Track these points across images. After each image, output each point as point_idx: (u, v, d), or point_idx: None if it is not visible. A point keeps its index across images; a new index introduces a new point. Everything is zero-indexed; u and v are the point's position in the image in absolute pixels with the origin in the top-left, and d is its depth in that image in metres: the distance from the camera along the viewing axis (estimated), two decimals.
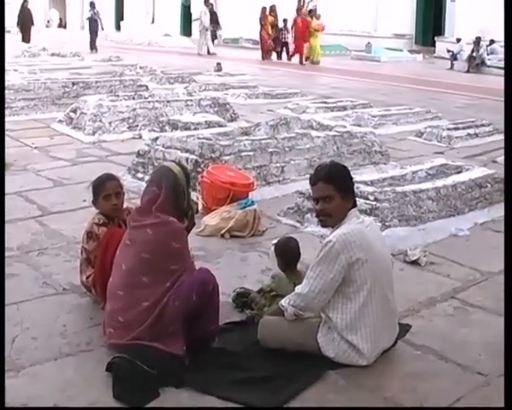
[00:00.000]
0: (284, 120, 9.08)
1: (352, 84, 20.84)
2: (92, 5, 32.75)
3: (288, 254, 4.71)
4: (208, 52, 31.19)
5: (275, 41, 29.95)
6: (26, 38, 32.37)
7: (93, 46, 30.59)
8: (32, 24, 33.87)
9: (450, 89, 20.08)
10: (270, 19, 29.89)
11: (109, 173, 5.09)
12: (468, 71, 27.31)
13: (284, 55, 29.99)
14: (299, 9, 29.98)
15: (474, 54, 27.88)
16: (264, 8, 30.23)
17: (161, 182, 4.17)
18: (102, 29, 33.97)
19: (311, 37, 27.99)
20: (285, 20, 30.02)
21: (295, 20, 28.82)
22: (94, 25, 31.66)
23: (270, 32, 29.75)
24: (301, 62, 27.87)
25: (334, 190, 4.03)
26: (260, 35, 30.33)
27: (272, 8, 30.60)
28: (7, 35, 34.48)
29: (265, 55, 29.76)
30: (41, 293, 4.94)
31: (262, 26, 29.94)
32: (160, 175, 4.26)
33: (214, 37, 32.95)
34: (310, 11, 30.31)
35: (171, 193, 4.13)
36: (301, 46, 28.17)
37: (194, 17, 43.09)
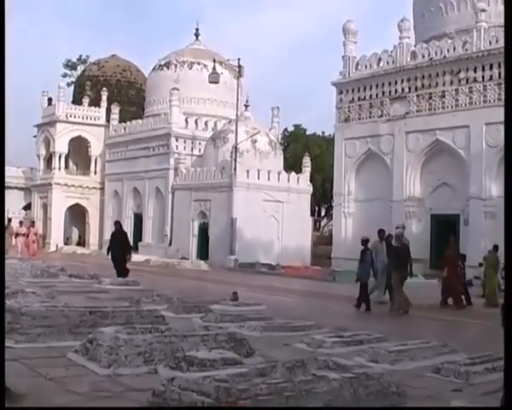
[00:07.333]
0: (301, 361, 9.07)
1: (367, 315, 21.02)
2: None
3: None
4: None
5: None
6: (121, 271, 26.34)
7: None
8: (129, 252, 27.43)
9: (464, 317, 20.20)
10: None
11: None
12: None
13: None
14: None
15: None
16: (449, 246, 24.41)
17: None
18: None
19: None
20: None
21: None
22: None
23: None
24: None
25: None
26: (447, 276, 23.12)
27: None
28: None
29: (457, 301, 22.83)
30: None
31: (451, 267, 23.20)
32: None
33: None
34: None
35: None
36: None
37: None
